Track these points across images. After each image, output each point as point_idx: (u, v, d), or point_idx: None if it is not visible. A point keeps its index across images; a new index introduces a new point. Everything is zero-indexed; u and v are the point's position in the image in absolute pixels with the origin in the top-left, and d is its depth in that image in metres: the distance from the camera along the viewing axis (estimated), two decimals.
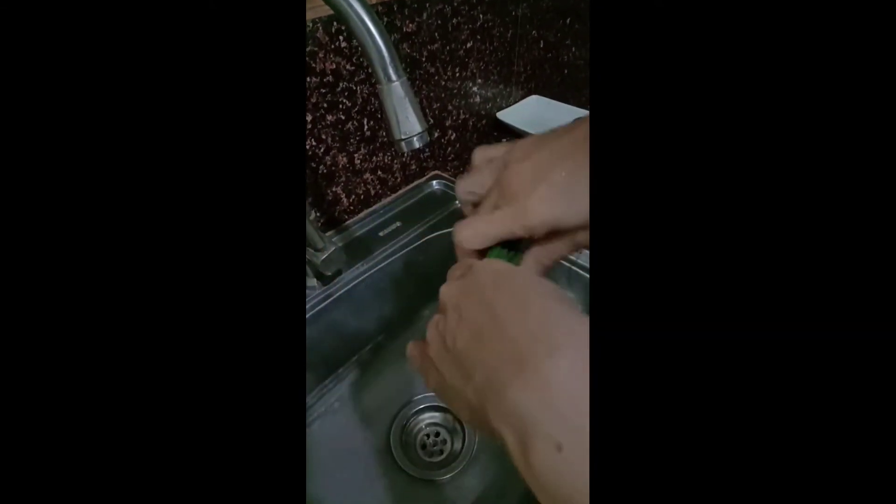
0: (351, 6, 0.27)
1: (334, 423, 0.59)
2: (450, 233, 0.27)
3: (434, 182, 0.70)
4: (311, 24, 0.47)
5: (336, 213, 0.61)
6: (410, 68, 0.60)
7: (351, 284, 0.57)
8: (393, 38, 0.56)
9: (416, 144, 0.30)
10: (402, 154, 0.63)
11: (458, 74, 0.68)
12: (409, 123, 0.29)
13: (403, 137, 0.30)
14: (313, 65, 0.49)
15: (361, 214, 0.63)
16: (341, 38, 0.51)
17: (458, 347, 0.22)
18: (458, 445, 0.57)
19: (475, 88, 0.72)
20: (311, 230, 0.48)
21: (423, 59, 0.61)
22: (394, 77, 0.28)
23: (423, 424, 0.59)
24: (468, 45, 0.67)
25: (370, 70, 0.31)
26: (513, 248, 0.27)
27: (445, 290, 0.24)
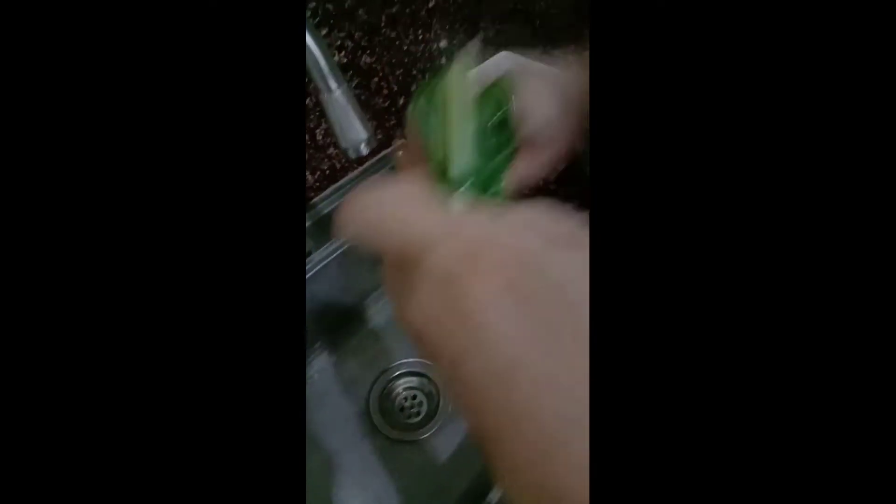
0: None
1: (315, 394, 0.62)
2: None
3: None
4: None
5: None
6: (368, 36, 0.58)
7: (323, 262, 0.59)
8: (347, 3, 0.53)
9: (363, 151, 0.30)
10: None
11: (421, 37, 0.65)
12: (353, 131, 0.29)
13: (350, 145, 0.30)
14: None
15: (328, 191, 0.63)
16: None
17: None
18: (433, 406, 0.61)
19: (441, 50, 0.70)
20: None
21: (382, 25, 0.59)
22: (333, 87, 0.28)
23: (400, 389, 0.63)
24: (430, 4, 0.64)
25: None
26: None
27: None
